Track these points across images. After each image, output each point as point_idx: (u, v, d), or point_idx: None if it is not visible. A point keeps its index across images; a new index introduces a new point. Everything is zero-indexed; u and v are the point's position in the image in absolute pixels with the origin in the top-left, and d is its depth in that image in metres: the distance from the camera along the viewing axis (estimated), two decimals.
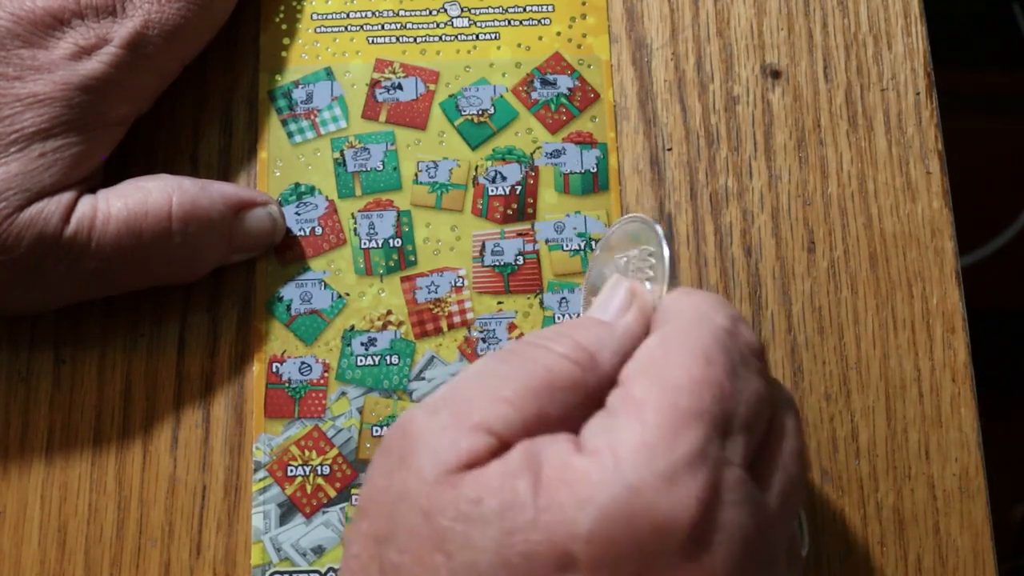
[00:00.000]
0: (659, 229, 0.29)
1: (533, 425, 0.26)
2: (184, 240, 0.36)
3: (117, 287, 0.37)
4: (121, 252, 0.35)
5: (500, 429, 0.25)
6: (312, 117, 0.41)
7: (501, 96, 0.41)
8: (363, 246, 0.39)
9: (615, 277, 0.30)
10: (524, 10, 0.41)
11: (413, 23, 0.42)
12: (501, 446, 0.25)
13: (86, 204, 0.35)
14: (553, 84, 0.41)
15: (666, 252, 0.29)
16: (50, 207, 0.34)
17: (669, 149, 0.40)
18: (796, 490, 0.27)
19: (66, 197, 0.35)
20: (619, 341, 0.27)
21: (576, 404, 0.26)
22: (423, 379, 0.38)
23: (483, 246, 0.39)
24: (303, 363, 0.38)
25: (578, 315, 0.37)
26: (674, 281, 0.29)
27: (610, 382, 0.27)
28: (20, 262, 0.34)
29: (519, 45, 0.41)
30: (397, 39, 0.41)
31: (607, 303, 0.29)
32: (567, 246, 0.39)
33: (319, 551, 0.37)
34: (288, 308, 0.39)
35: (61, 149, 0.35)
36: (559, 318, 0.39)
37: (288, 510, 0.37)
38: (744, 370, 0.26)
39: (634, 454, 0.24)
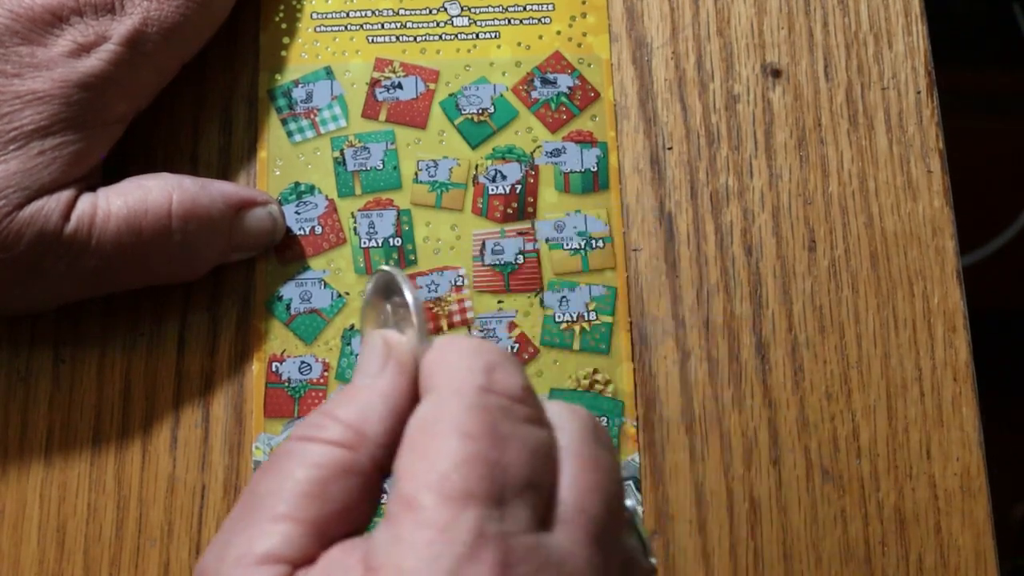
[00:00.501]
0: (399, 275, 0.28)
1: (319, 531, 0.25)
2: (184, 238, 0.36)
3: (117, 285, 0.37)
4: (121, 250, 0.35)
5: (288, 552, 0.24)
6: (312, 116, 0.40)
7: (501, 95, 0.41)
8: (363, 245, 0.39)
9: (368, 332, 0.29)
10: (524, 9, 0.41)
11: (413, 22, 0.41)
12: (295, 568, 0.24)
13: (86, 202, 0.35)
14: (553, 83, 0.41)
15: (409, 296, 0.28)
16: (50, 205, 0.34)
17: (669, 148, 0.40)
18: (607, 526, 0.26)
19: (66, 195, 0.35)
20: (383, 403, 0.26)
21: (358, 486, 0.25)
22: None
23: (483, 245, 0.39)
24: (303, 362, 0.38)
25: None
26: (425, 328, 0.28)
27: (385, 448, 0.26)
28: (20, 260, 0.34)
29: (519, 44, 0.41)
30: (397, 38, 0.41)
31: (365, 363, 0.28)
32: (567, 245, 0.39)
33: None
34: (288, 307, 0.39)
35: (60, 147, 0.35)
36: (559, 317, 0.39)
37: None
38: (509, 426, 0.25)
39: (417, 563, 0.23)
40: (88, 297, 0.37)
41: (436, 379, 0.27)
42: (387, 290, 0.30)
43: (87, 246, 0.34)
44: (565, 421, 0.27)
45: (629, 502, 0.28)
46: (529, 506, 0.25)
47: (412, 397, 0.27)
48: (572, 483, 0.26)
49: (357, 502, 0.25)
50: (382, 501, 0.26)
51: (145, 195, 0.35)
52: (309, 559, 0.24)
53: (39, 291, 0.35)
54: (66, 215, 0.34)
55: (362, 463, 0.26)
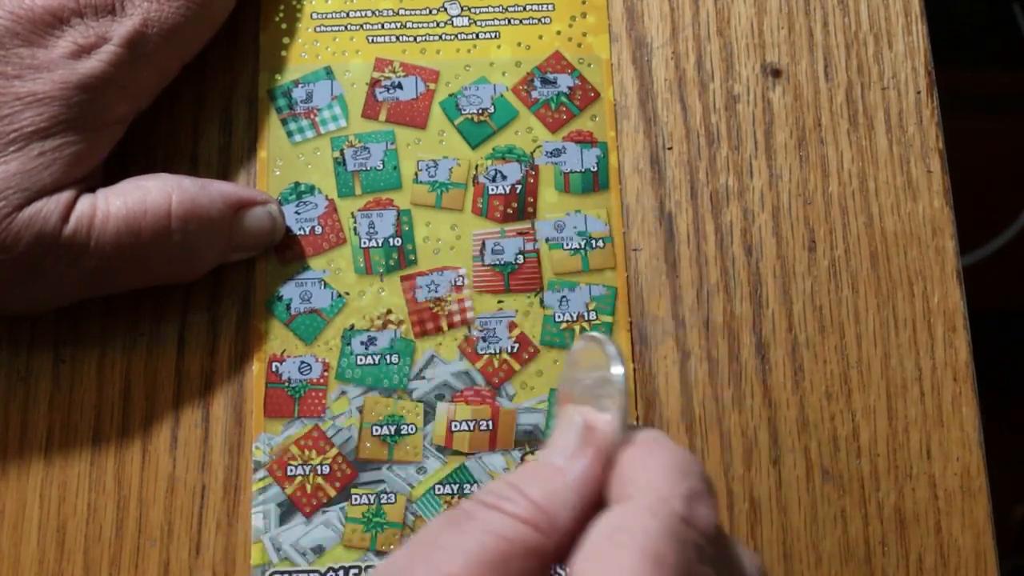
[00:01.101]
0: (611, 351, 0.27)
1: None
2: (183, 238, 0.36)
3: (117, 286, 0.37)
4: (120, 250, 0.35)
5: None
6: (312, 116, 0.40)
7: (501, 95, 0.41)
8: (363, 245, 0.39)
9: (568, 409, 0.28)
10: (524, 9, 0.41)
11: (413, 22, 0.41)
12: None
13: (85, 203, 0.35)
14: (553, 83, 0.41)
15: (618, 376, 0.27)
16: (49, 206, 0.34)
17: (669, 148, 0.40)
18: None
19: (65, 196, 0.35)
20: (576, 493, 0.26)
21: (534, 569, 0.25)
22: (423, 378, 0.38)
23: (483, 245, 0.39)
24: (303, 362, 0.38)
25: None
26: (627, 415, 0.27)
27: (569, 536, 0.25)
28: (20, 261, 0.34)
29: (519, 44, 0.41)
30: (397, 38, 0.41)
31: (561, 444, 0.27)
32: (567, 245, 0.39)
33: (319, 551, 0.37)
34: (288, 307, 0.39)
35: (60, 148, 0.35)
36: (559, 317, 0.39)
37: (288, 510, 0.37)
38: (698, 568, 0.25)
39: None
40: (88, 298, 0.37)
41: (635, 487, 0.26)
42: (587, 360, 0.29)
43: (86, 247, 0.34)
44: (746, 569, 0.26)
45: None
46: None
47: (602, 486, 0.26)
48: None
49: None
50: None
51: (144, 196, 0.35)
52: None
53: (39, 292, 0.35)
54: (65, 216, 0.34)
55: (547, 548, 0.25)
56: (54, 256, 0.34)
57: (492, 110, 0.40)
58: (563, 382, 0.30)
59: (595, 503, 0.26)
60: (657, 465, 0.26)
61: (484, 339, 0.38)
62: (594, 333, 0.28)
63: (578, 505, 0.26)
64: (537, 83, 0.41)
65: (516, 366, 0.38)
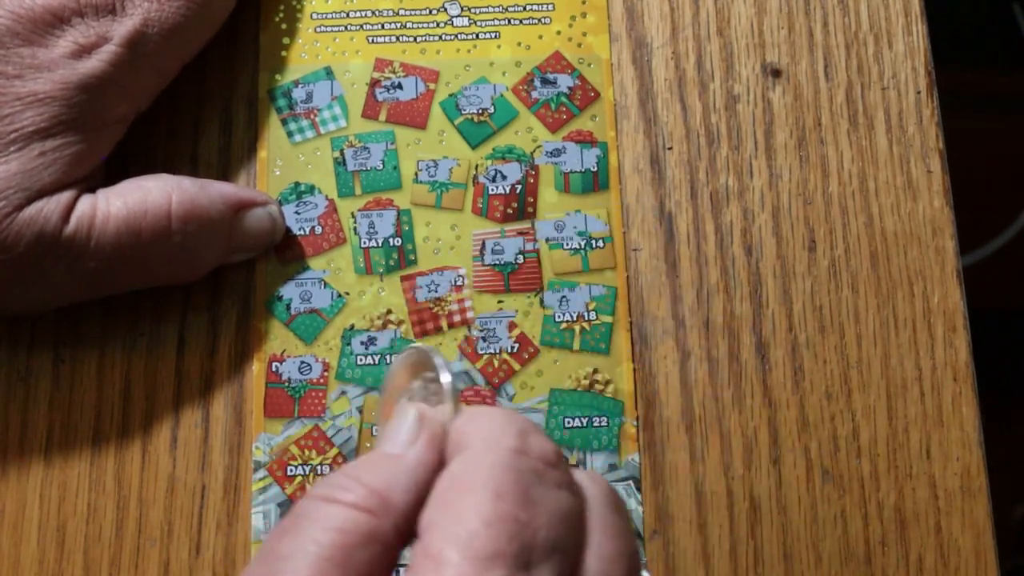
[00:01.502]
0: (435, 352, 0.29)
1: None
2: (184, 239, 0.36)
3: (117, 287, 0.37)
4: (120, 251, 0.35)
5: None
6: (312, 116, 0.40)
7: (501, 95, 0.41)
8: (363, 245, 0.39)
9: (401, 403, 0.29)
10: (524, 9, 0.41)
11: (413, 22, 0.41)
12: None
13: (85, 203, 0.35)
14: (553, 83, 0.41)
15: (444, 372, 0.28)
16: (49, 206, 0.34)
17: (669, 148, 0.40)
18: None
19: (66, 196, 0.35)
20: (411, 474, 0.26)
21: (379, 555, 0.25)
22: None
23: (483, 245, 0.39)
24: (303, 362, 0.38)
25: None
26: (459, 400, 0.28)
27: (408, 519, 0.26)
28: (20, 261, 0.34)
29: (519, 44, 0.41)
30: (397, 38, 0.41)
31: (395, 433, 0.27)
32: (567, 245, 0.39)
33: None
34: (288, 307, 0.39)
35: (60, 148, 0.35)
36: (559, 317, 0.39)
37: (288, 510, 0.37)
38: (540, 490, 0.25)
39: None
40: (88, 299, 0.37)
41: (468, 440, 0.26)
42: (417, 367, 0.29)
43: (86, 247, 0.34)
44: (590, 487, 0.27)
45: (644, 573, 0.28)
46: (555, 571, 0.25)
47: (439, 470, 0.27)
48: (597, 551, 0.26)
49: (380, 571, 0.25)
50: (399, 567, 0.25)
51: (144, 196, 0.35)
52: None
53: (39, 292, 0.35)
54: (66, 216, 0.34)
55: (386, 531, 0.25)
56: (54, 256, 0.34)
57: (492, 110, 0.41)
58: (384, 395, 0.30)
59: (432, 485, 0.26)
60: (485, 420, 0.27)
61: (484, 339, 0.38)
62: (417, 345, 0.30)
63: (414, 487, 0.26)
64: (537, 83, 0.41)
65: (516, 366, 0.38)
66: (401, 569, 0.25)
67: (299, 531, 0.25)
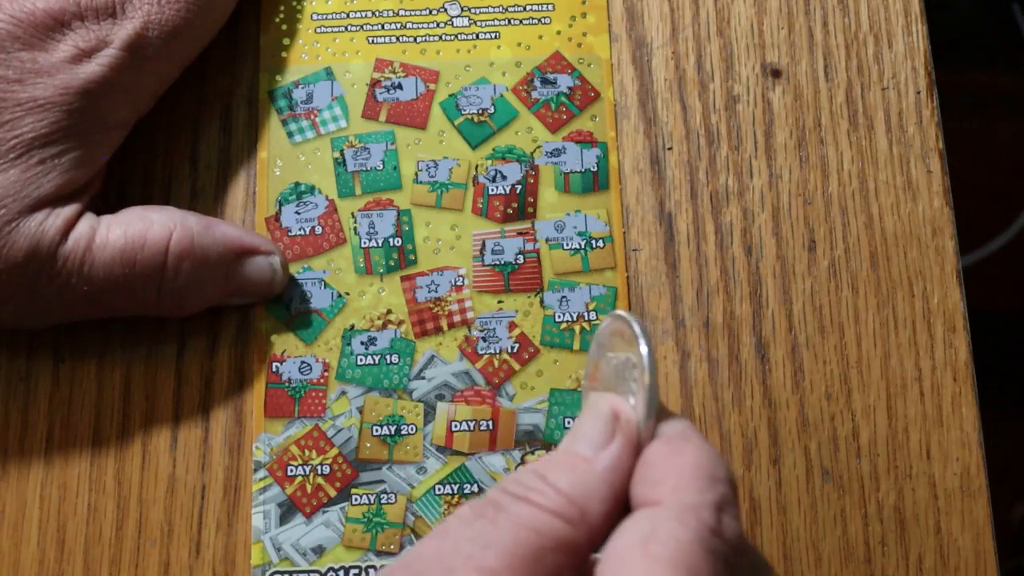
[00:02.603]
0: (638, 325, 0.27)
1: None
2: (177, 277, 0.36)
3: (107, 312, 0.36)
4: (113, 280, 0.35)
5: None
6: (312, 117, 0.40)
7: (501, 95, 0.41)
8: (363, 245, 0.39)
9: (593, 397, 0.28)
10: (524, 9, 0.41)
11: (413, 23, 0.41)
12: None
13: (85, 225, 0.35)
14: (553, 83, 0.41)
15: (646, 358, 0.26)
16: (49, 221, 0.34)
17: (669, 148, 0.40)
18: None
19: (67, 212, 0.34)
20: (606, 484, 0.25)
21: (568, 561, 0.24)
22: (423, 378, 0.38)
23: (483, 245, 0.39)
24: (303, 362, 0.38)
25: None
26: (655, 407, 0.27)
27: (602, 530, 0.25)
28: (15, 273, 0.34)
29: (519, 44, 0.41)
30: (397, 39, 0.41)
31: (589, 431, 0.26)
32: (567, 245, 0.39)
33: (319, 551, 0.37)
34: (288, 307, 0.39)
35: (60, 155, 0.34)
36: (559, 317, 0.39)
37: (288, 510, 0.37)
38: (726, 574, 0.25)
39: None
40: (79, 320, 0.37)
41: (663, 489, 0.25)
42: (615, 339, 0.28)
43: (80, 270, 0.34)
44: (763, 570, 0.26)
45: None
46: None
47: (631, 475, 0.26)
48: None
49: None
50: None
51: (146, 229, 0.35)
52: None
53: (31, 310, 0.35)
54: (64, 233, 0.34)
55: (580, 542, 0.25)
56: (48, 274, 0.34)
57: (492, 110, 0.41)
58: (589, 362, 0.29)
59: (625, 495, 0.26)
60: (686, 465, 0.25)
61: (484, 339, 0.38)
62: (621, 312, 0.28)
63: (608, 497, 0.25)
64: (537, 83, 0.41)
65: (516, 366, 0.38)
66: None
67: (492, 521, 0.24)
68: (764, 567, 0.27)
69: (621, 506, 0.25)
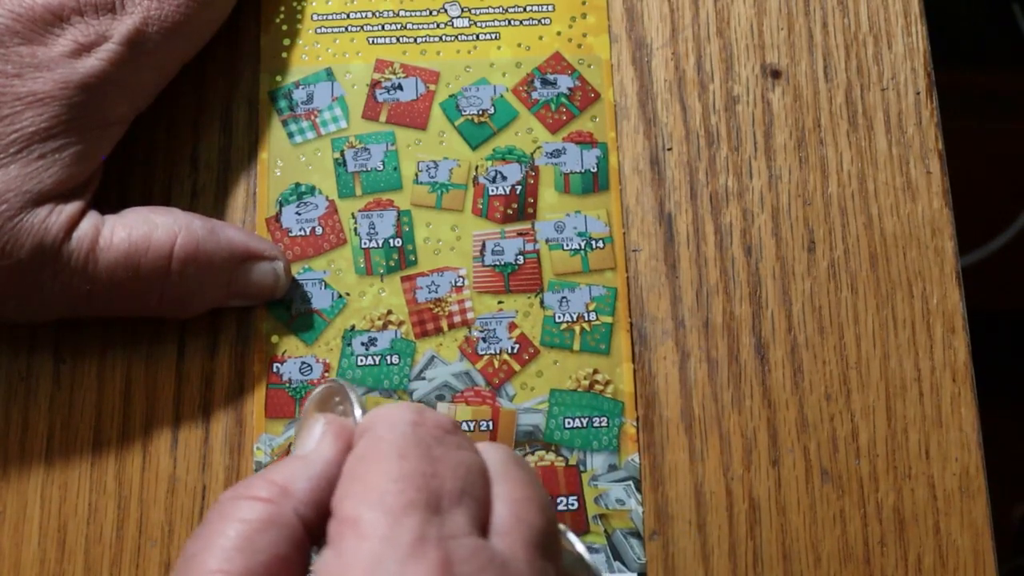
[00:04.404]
0: (349, 388, 0.31)
1: None
2: (181, 280, 0.36)
3: (110, 311, 0.36)
4: (115, 282, 0.35)
5: None
6: (312, 117, 0.41)
7: (501, 96, 0.41)
8: (363, 246, 0.39)
9: (309, 416, 0.31)
10: (524, 10, 0.41)
11: (413, 23, 0.42)
12: None
13: (89, 224, 0.35)
14: (553, 84, 0.41)
15: (350, 391, 0.30)
16: (52, 217, 0.34)
17: (669, 149, 0.40)
18: (545, 535, 0.27)
19: (70, 209, 0.34)
20: (312, 467, 0.28)
21: (282, 539, 0.26)
22: (423, 379, 0.38)
23: (483, 246, 0.39)
24: (303, 363, 0.38)
25: None
26: (364, 409, 0.30)
27: (309, 503, 0.27)
28: (18, 269, 0.34)
29: (519, 45, 0.41)
30: (397, 39, 0.41)
31: (303, 439, 0.29)
32: (567, 246, 0.39)
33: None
34: (288, 308, 0.39)
35: (60, 149, 0.35)
36: (560, 317, 0.39)
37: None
38: (440, 448, 0.27)
39: (362, 570, 0.24)
40: (83, 317, 0.37)
41: (370, 426, 0.28)
42: (327, 400, 0.32)
43: (83, 270, 0.34)
44: (490, 451, 0.29)
45: (560, 526, 0.30)
46: (467, 513, 0.26)
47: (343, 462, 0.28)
48: (506, 497, 0.27)
49: (285, 555, 0.26)
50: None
51: (150, 232, 0.35)
52: None
53: (34, 305, 0.35)
54: (68, 231, 0.34)
55: (286, 515, 0.27)
56: (52, 270, 0.34)
57: (492, 111, 0.41)
58: (300, 423, 0.32)
59: (336, 477, 0.28)
60: (383, 409, 0.29)
61: (484, 340, 0.39)
62: (333, 380, 0.32)
63: (314, 477, 0.28)
64: (537, 84, 0.41)
65: (516, 367, 0.38)
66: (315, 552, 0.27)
67: (210, 530, 0.26)
68: (496, 448, 0.29)
69: (332, 486, 0.28)
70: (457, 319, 0.39)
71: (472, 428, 0.38)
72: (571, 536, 0.30)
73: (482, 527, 0.27)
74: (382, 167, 0.40)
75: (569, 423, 0.38)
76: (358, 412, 0.30)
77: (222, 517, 0.27)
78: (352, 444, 0.29)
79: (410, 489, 0.26)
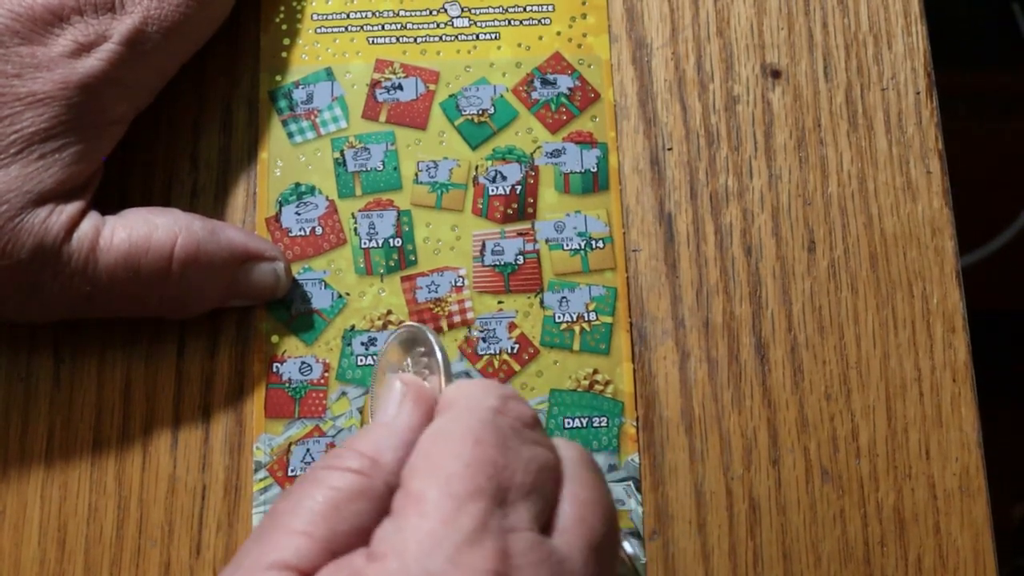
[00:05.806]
0: (428, 329, 0.31)
1: (330, 548, 0.26)
2: (181, 281, 0.36)
3: (110, 312, 0.36)
4: (116, 283, 0.35)
5: (296, 562, 0.26)
6: (312, 117, 0.41)
7: (501, 96, 0.41)
8: (363, 246, 0.39)
9: (389, 377, 0.31)
10: (524, 10, 0.41)
11: (413, 23, 0.42)
12: None
13: (90, 225, 0.35)
14: (553, 84, 0.41)
15: (437, 348, 0.30)
16: (52, 217, 0.34)
17: (669, 148, 0.40)
18: (605, 539, 0.28)
19: (70, 209, 0.34)
20: (399, 436, 0.28)
21: (369, 511, 0.27)
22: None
23: (483, 246, 0.39)
24: (303, 363, 0.38)
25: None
26: (450, 374, 0.30)
27: (399, 475, 0.28)
28: (19, 269, 0.34)
29: (519, 45, 0.41)
30: (397, 39, 0.41)
31: (385, 405, 0.30)
32: (567, 245, 0.39)
33: None
34: (288, 308, 0.39)
35: (60, 149, 0.35)
36: (559, 317, 0.39)
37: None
38: (516, 441, 0.27)
39: (419, 547, 0.25)
40: (83, 317, 0.37)
41: (452, 402, 0.29)
42: (409, 344, 0.32)
43: (83, 271, 0.34)
44: (566, 449, 0.29)
45: (625, 544, 0.30)
46: (532, 509, 0.26)
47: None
48: (573, 498, 0.28)
49: (369, 524, 0.27)
50: None
51: (150, 233, 0.35)
52: (317, 570, 0.26)
53: (35, 306, 0.35)
54: (68, 231, 0.34)
55: (376, 487, 0.27)
56: (52, 271, 0.34)
57: (492, 111, 0.41)
58: (377, 371, 0.33)
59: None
60: (469, 386, 0.29)
61: (484, 340, 0.39)
62: (404, 324, 0.32)
63: (400, 447, 0.28)
64: (537, 84, 0.41)
65: (516, 367, 0.38)
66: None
67: (299, 493, 0.27)
68: (570, 446, 0.29)
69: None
70: (457, 319, 0.39)
71: None
72: (629, 549, 0.31)
73: (546, 525, 0.27)
74: (382, 167, 0.40)
75: (569, 423, 0.38)
76: (442, 369, 0.30)
77: (314, 482, 0.27)
78: (432, 412, 0.29)
79: (480, 476, 0.26)
